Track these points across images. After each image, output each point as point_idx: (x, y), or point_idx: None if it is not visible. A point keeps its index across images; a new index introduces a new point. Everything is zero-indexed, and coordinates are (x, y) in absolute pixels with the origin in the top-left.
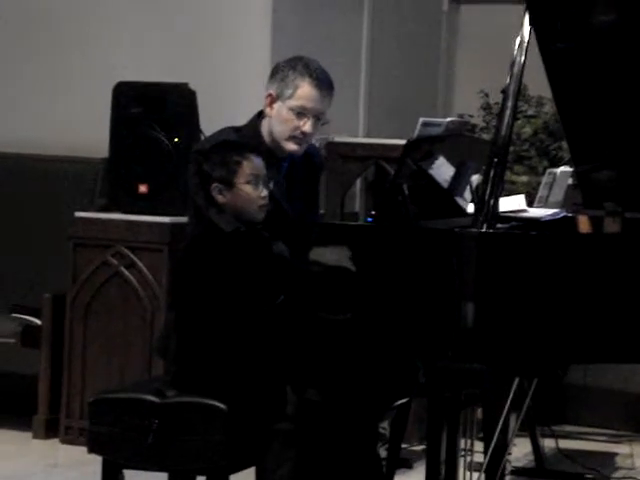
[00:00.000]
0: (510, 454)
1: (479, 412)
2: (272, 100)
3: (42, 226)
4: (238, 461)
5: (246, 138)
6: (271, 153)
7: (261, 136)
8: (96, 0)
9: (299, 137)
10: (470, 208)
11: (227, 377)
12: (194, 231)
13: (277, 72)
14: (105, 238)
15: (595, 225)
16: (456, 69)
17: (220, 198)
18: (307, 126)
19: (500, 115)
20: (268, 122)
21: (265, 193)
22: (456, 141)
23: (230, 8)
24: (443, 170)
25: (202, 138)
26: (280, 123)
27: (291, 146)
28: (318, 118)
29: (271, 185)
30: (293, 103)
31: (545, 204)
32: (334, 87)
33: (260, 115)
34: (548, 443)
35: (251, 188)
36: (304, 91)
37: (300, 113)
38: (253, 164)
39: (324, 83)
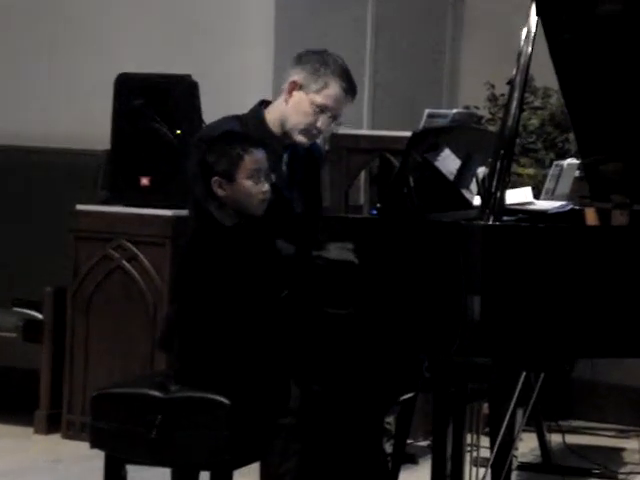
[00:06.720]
0: (517, 449)
1: (485, 407)
2: (294, 87)
3: (43, 219)
4: (242, 456)
5: (249, 126)
6: (276, 140)
7: (266, 124)
8: None
9: (312, 132)
10: (476, 200)
11: (231, 372)
12: (195, 225)
13: (307, 62)
14: (107, 231)
15: (602, 217)
16: (462, 60)
17: (220, 192)
18: (324, 123)
19: (506, 107)
20: (282, 108)
21: (266, 187)
22: (462, 132)
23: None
24: (449, 162)
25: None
26: (297, 113)
27: (302, 139)
28: (334, 117)
29: (273, 178)
30: (318, 100)
31: (552, 196)
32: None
33: (262, 104)
34: (555, 438)
35: (252, 183)
36: (333, 91)
37: (321, 110)
38: (255, 158)
39: (353, 88)
